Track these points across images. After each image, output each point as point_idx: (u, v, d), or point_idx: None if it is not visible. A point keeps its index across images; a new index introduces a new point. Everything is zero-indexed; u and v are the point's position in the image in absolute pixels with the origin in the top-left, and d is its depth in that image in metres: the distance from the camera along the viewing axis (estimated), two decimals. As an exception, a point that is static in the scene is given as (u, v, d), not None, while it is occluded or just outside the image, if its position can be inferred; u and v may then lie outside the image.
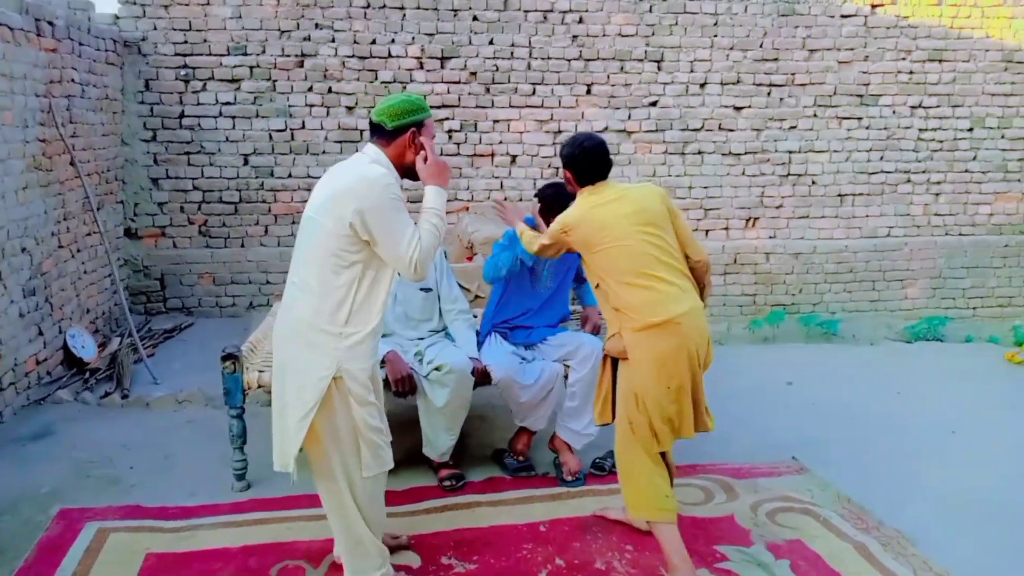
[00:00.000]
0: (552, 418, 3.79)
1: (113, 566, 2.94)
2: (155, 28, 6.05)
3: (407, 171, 2.62)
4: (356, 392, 2.52)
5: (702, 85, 6.63)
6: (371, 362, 2.57)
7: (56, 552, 3.00)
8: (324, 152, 6.29)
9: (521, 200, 6.57)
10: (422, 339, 3.77)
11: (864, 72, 6.80)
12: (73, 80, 5.10)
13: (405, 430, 3.90)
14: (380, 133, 2.59)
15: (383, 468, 2.65)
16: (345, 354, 2.48)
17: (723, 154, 6.75)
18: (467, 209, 6.54)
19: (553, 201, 3.60)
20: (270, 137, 6.22)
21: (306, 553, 3.03)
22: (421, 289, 3.78)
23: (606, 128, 6.55)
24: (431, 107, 6.16)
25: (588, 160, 3.03)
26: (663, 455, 2.97)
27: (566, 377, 3.72)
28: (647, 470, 2.88)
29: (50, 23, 4.75)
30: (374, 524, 2.68)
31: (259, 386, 3.51)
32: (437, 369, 3.50)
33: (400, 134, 2.57)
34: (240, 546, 3.09)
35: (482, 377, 3.62)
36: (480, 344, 3.82)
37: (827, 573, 2.95)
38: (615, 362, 3.02)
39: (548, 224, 3.37)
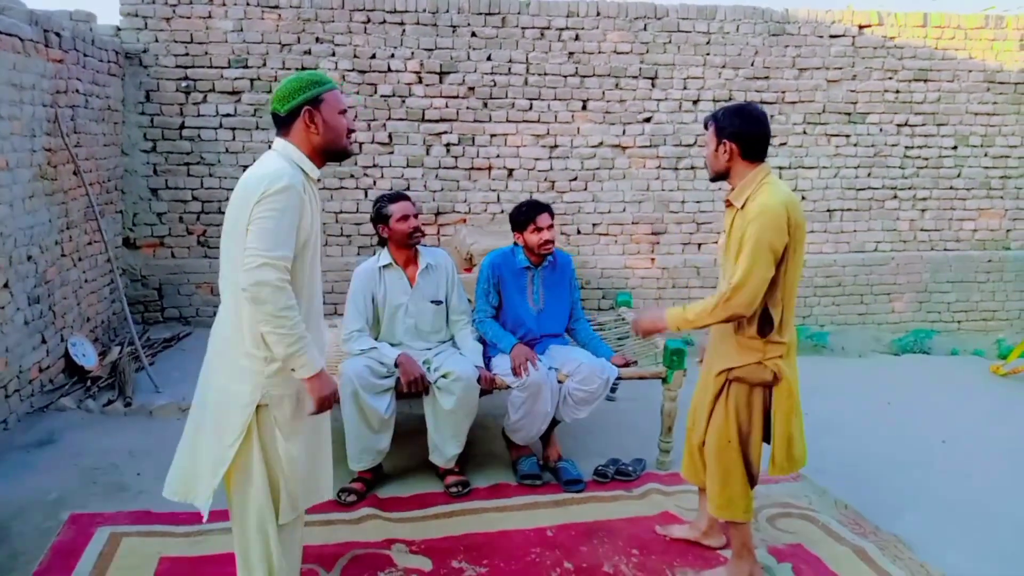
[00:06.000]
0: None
1: (129, 570, 2.97)
2: (156, 40, 6.10)
3: (329, 154, 2.40)
4: (282, 422, 2.32)
5: (695, 102, 6.77)
6: (298, 386, 2.33)
7: (70, 557, 3.03)
8: (323, 164, 6.34)
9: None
10: (429, 349, 3.84)
11: (852, 91, 6.96)
12: (78, 91, 5.15)
13: (412, 438, 3.98)
14: (278, 123, 2.37)
15: (296, 513, 2.45)
16: (270, 380, 2.28)
17: (715, 169, 6.87)
18: (464, 221, 6.62)
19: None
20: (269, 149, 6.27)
21: (319, 557, 3.07)
22: (432, 302, 3.85)
23: (601, 143, 6.67)
24: (430, 121, 6.39)
25: (762, 128, 2.73)
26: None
27: (560, 382, 3.80)
28: (742, 478, 2.90)
29: (57, 34, 4.80)
30: None
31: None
32: (444, 376, 3.58)
33: (295, 117, 2.32)
34: (253, 550, 3.12)
35: (488, 385, 3.70)
36: (490, 356, 3.90)
37: (828, 576, 3.04)
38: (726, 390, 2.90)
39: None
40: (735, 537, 2.97)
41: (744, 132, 2.72)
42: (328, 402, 2.34)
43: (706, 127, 2.85)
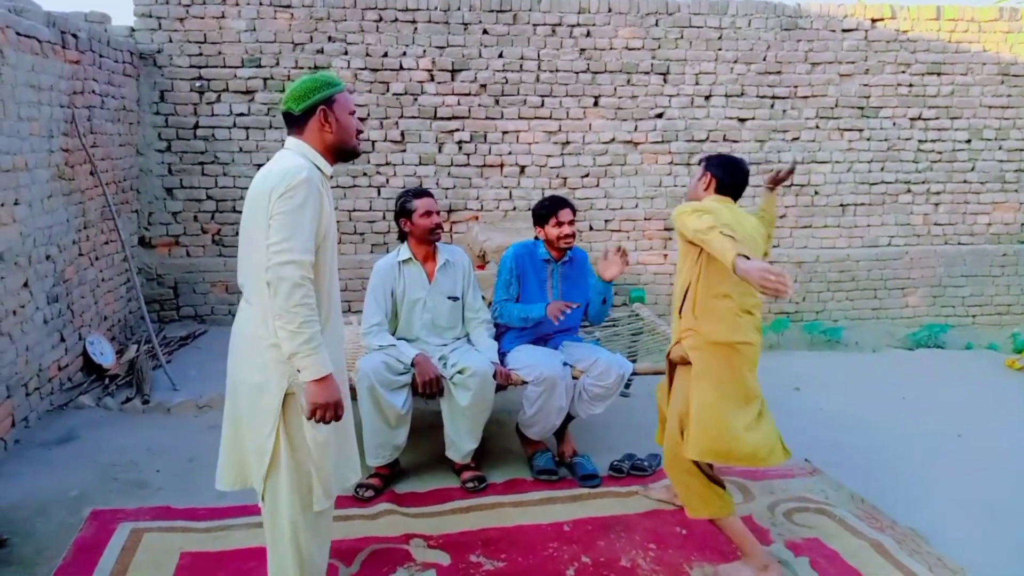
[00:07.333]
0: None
1: (150, 565, 3.00)
2: (170, 40, 6.14)
3: (341, 153, 2.47)
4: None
5: (707, 97, 6.76)
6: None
7: (93, 552, 3.06)
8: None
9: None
10: (445, 345, 3.86)
11: (865, 85, 6.94)
12: (94, 91, 5.19)
13: (428, 433, 4.02)
14: (291, 122, 2.43)
15: (330, 500, 2.47)
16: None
17: (727, 165, 6.87)
18: (476, 219, 6.64)
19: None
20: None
21: (338, 552, 3.08)
22: (449, 298, 3.88)
23: (613, 139, 6.67)
24: (442, 118, 6.40)
25: (740, 178, 3.24)
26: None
27: (575, 378, 3.83)
28: (703, 479, 2.98)
29: (74, 35, 4.84)
30: (312, 570, 2.46)
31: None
32: (460, 372, 3.60)
33: (310, 116, 2.39)
34: (273, 545, 3.15)
35: (504, 381, 3.72)
36: (504, 352, 3.91)
37: (845, 569, 3.04)
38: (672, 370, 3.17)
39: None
40: (729, 534, 3.00)
41: (726, 174, 3.21)
42: (325, 412, 2.26)
43: (699, 164, 3.32)
